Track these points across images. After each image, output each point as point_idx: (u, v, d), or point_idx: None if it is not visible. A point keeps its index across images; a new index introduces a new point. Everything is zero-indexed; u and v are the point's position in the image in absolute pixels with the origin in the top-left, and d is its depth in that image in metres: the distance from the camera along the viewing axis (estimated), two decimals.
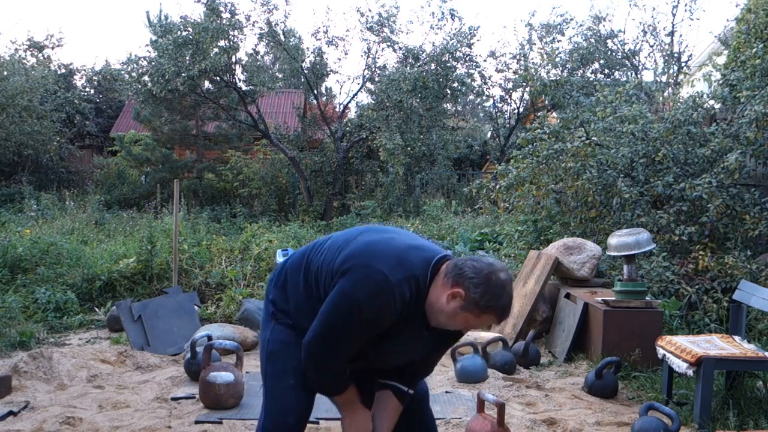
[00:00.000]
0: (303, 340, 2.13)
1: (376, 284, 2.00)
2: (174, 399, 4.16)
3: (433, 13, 15.52)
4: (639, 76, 14.25)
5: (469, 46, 15.11)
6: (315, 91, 16.13)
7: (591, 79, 13.66)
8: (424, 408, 2.48)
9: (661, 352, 3.97)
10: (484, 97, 17.80)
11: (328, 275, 2.13)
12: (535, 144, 7.26)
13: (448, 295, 2.03)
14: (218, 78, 15.24)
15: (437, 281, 2.07)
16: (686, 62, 13.97)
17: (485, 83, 16.26)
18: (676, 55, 14.05)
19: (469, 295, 2.00)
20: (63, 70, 23.52)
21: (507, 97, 17.75)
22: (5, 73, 17.38)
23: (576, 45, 15.33)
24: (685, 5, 13.97)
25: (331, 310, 2.06)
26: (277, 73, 22.21)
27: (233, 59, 15.36)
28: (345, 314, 2.03)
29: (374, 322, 2.04)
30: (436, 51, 14.70)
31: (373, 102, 15.34)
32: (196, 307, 6.01)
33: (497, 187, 7.56)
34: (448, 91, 14.95)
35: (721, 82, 7.94)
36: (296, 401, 2.21)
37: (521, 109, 17.57)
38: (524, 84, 13.70)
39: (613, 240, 4.96)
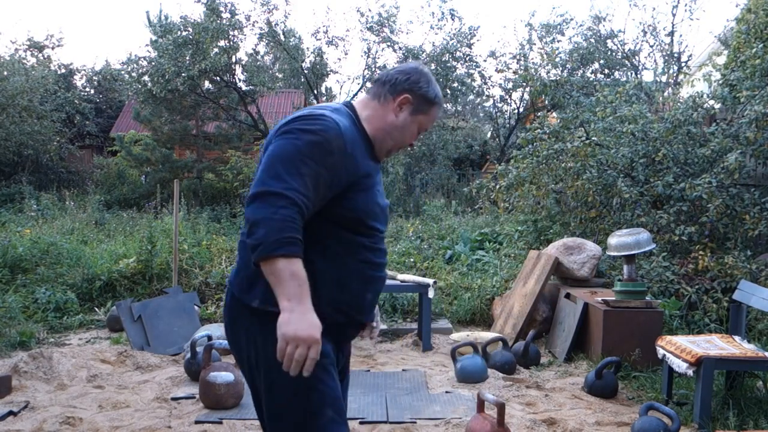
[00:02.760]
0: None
1: (309, 117, 1.77)
2: (174, 399, 4.17)
3: (433, 13, 15.57)
4: (639, 76, 14.25)
5: (469, 46, 15.14)
6: (315, 91, 16.14)
7: (591, 79, 13.67)
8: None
9: (661, 352, 3.97)
10: (484, 97, 17.82)
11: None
12: (535, 144, 7.27)
13: (395, 107, 1.93)
14: (218, 78, 15.25)
15: (368, 110, 1.94)
16: (686, 62, 13.97)
17: (485, 83, 16.29)
18: (676, 55, 14.06)
19: (416, 95, 1.93)
20: (63, 70, 23.53)
21: (507, 97, 17.76)
22: (5, 73, 17.38)
23: (576, 45, 15.34)
24: (685, 5, 13.99)
25: (272, 152, 1.73)
26: (277, 73, 22.21)
27: (233, 59, 15.37)
28: (291, 146, 1.72)
29: (326, 147, 1.73)
30: (436, 51, 14.72)
31: None
32: (196, 307, 6.01)
33: (497, 187, 7.57)
34: (448, 91, 14.96)
35: (721, 82, 7.94)
36: None
37: (521, 109, 17.58)
38: (524, 84, 13.70)
39: (613, 240, 4.97)
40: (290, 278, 1.64)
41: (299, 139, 1.71)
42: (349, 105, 1.96)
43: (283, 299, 1.65)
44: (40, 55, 22.77)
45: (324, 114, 1.79)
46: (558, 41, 16.02)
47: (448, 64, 14.65)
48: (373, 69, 15.47)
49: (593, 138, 6.79)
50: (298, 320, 1.63)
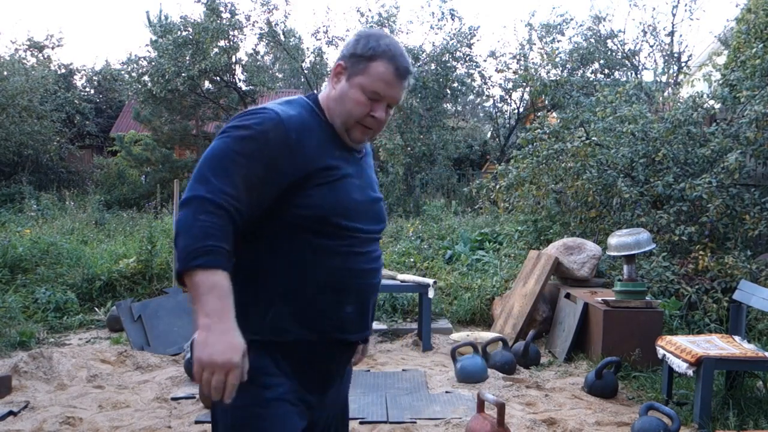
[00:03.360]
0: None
1: (246, 114, 1.61)
2: (174, 399, 4.16)
3: (433, 13, 15.57)
4: (639, 76, 14.25)
5: (469, 46, 15.14)
6: (315, 91, 16.15)
7: (591, 79, 13.68)
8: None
9: (661, 352, 3.97)
10: (484, 97, 17.82)
11: None
12: (535, 144, 7.27)
13: (332, 79, 1.71)
14: (218, 78, 15.27)
15: (322, 96, 1.75)
16: (686, 62, 13.98)
17: (485, 83, 16.29)
18: (676, 55, 14.07)
19: (347, 57, 1.66)
20: (63, 70, 23.52)
21: (507, 97, 17.77)
22: (5, 73, 17.38)
23: (576, 45, 15.34)
24: (685, 5, 14.00)
25: (203, 155, 1.57)
26: (277, 73, 22.23)
27: (233, 59, 15.39)
28: (222, 144, 1.55)
29: (259, 140, 1.54)
30: (436, 51, 14.72)
31: None
32: None
33: (497, 187, 7.57)
34: (448, 91, 14.96)
35: (721, 82, 7.95)
36: None
37: (521, 109, 17.58)
38: (524, 84, 13.71)
39: (613, 240, 4.97)
40: (209, 291, 1.44)
41: (230, 136, 1.55)
42: (311, 96, 1.77)
43: (202, 316, 1.44)
44: (40, 55, 22.77)
45: (265, 108, 1.61)
46: (558, 41, 16.03)
47: (448, 64, 14.65)
48: None
49: (593, 138, 6.79)
50: (215, 341, 1.42)
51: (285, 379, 1.61)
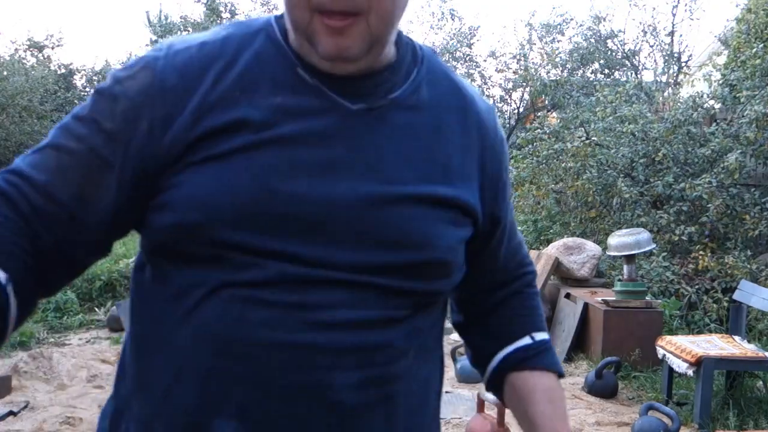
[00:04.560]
0: None
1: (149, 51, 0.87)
2: None
3: (433, 13, 15.58)
4: (639, 76, 14.25)
5: (469, 46, 15.16)
6: None
7: (591, 79, 13.67)
8: None
9: (661, 352, 3.97)
10: (484, 97, 17.81)
11: None
12: (535, 144, 7.28)
13: None
14: None
15: None
16: (686, 62, 13.97)
17: (485, 83, 16.28)
18: (676, 55, 14.05)
19: None
20: (63, 70, 23.51)
21: (507, 97, 17.75)
22: (5, 73, 17.37)
23: (576, 45, 15.32)
24: (685, 5, 13.98)
25: None
26: None
27: None
28: (79, 106, 0.84)
29: (117, 94, 0.80)
30: (436, 51, 14.74)
31: None
32: None
33: None
34: None
35: (721, 82, 7.94)
36: None
37: (521, 109, 17.56)
38: (524, 84, 13.71)
39: (613, 240, 4.97)
40: None
41: (91, 95, 0.85)
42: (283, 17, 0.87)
43: None
44: (40, 55, 22.76)
45: (166, 42, 0.85)
46: (558, 41, 16.01)
47: (448, 64, 14.67)
48: None
49: (593, 138, 6.80)
50: None
51: None
